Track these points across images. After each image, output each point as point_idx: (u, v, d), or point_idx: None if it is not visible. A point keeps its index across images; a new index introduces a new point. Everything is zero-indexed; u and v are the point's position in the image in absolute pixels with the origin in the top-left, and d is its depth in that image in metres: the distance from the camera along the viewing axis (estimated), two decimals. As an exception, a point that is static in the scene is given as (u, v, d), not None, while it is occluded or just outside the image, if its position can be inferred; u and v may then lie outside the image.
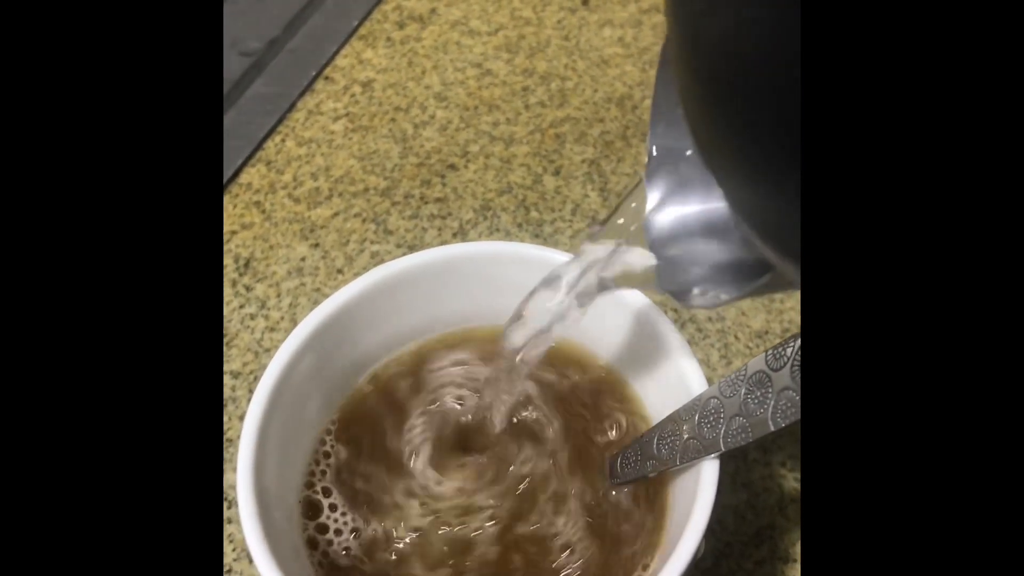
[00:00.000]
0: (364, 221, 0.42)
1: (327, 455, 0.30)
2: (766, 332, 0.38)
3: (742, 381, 0.23)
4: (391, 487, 0.29)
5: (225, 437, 0.35)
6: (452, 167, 0.45)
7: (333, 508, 0.28)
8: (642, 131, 0.46)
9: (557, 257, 0.31)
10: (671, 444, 0.25)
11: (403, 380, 0.32)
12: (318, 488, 0.29)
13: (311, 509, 0.28)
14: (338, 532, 0.28)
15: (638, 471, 0.27)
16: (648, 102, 0.47)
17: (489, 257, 0.32)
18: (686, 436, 0.25)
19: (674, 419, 0.26)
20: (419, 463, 0.30)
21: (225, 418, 0.35)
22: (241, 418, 0.36)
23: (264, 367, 0.37)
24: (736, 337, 0.38)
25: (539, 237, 0.42)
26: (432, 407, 0.31)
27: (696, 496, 0.24)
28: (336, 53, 0.51)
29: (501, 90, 0.48)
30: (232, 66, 0.52)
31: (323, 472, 0.29)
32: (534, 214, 0.43)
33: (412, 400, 0.31)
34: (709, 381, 0.27)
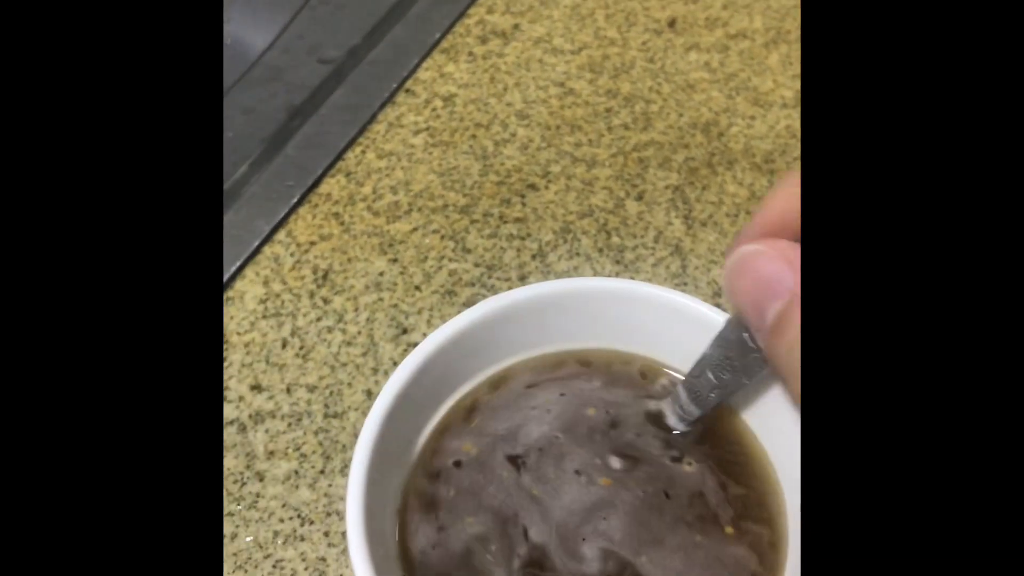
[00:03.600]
0: (443, 238, 0.42)
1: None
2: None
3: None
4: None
5: (299, 452, 0.34)
6: (532, 187, 0.44)
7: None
8: (728, 159, 0.45)
9: (678, 299, 0.30)
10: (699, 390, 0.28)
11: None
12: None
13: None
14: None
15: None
16: (735, 130, 0.46)
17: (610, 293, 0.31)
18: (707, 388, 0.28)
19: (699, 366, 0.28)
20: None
21: (300, 432, 0.35)
22: (316, 433, 0.35)
23: (340, 382, 0.37)
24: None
25: (620, 264, 0.41)
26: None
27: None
28: (418, 66, 0.51)
29: (583, 110, 0.48)
30: (311, 73, 0.52)
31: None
32: (615, 239, 0.42)
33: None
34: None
